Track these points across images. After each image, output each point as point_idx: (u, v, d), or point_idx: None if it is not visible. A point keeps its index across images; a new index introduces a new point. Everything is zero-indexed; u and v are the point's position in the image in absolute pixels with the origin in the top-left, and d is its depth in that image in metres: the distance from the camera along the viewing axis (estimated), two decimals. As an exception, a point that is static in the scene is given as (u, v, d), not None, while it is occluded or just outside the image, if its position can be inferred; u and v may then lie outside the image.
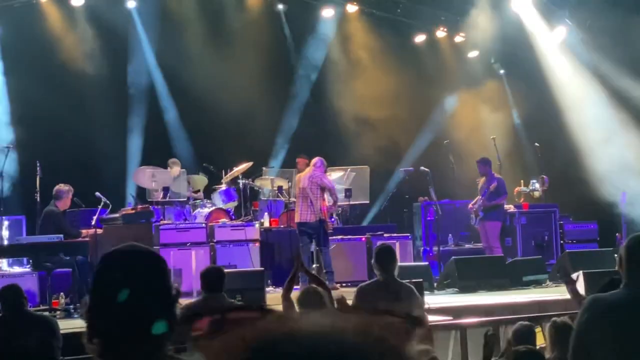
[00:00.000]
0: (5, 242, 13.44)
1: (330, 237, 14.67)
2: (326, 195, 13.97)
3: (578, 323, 5.09)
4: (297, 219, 14.08)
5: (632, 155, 16.47)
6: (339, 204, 16.10)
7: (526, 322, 7.99)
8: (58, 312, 11.18)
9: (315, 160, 14.20)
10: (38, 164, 14.27)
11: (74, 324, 10.40)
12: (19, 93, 16.63)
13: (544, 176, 16.67)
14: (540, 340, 7.83)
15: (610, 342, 4.88)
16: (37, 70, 16.64)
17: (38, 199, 13.97)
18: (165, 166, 15.18)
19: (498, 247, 14.63)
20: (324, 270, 13.68)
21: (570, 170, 16.94)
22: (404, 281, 8.16)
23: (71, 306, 11.66)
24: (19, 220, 14.92)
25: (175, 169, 15.23)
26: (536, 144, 17.56)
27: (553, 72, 17.90)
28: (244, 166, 15.40)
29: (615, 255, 11.56)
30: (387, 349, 0.86)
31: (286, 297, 8.30)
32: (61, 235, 12.19)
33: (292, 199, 15.52)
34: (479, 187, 15.04)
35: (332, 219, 15.93)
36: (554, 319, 7.47)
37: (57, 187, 12.92)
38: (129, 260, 2.63)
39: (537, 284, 13.45)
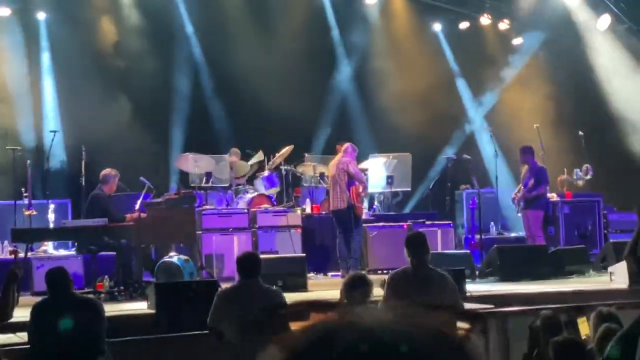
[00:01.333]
0: (51, 226, 13.57)
1: (371, 224, 14.70)
2: (355, 181, 13.98)
3: None
4: (330, 207, 14.17)
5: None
6: (380, 190, 16.12)
7: (549, 312, 7.96)
8: (102, 295, 11.29)
9: (345, 145, 14.21)
10: (83, 149, 14.41)
11: (118, 307, 10.56)
12: (64, 78, 16.77)
13: (588, 165, 16.54)
14: (585, 331, 7.79)
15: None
16: (82, 56, 16.76)
17: (83, 183, 14.12)
18: (206, 152, 15.23)
19: (540, 236, 14.54)
20: (353, 256, 13.72)
21: (615, 160, 16.82)
22: (441, 269, 8.15)
23: (115, 289, 11.79)
24: (64, 203, 15.06)
25: (234, 158, 15.32)
26: (580, 132, 17.41)
27: (599, 60, 17.76)
28: (285, 150, 15.43)
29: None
30: (449, 343, 0.88)
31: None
32: (106, 219, 12.29)
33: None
34: (521, 175, 14.97)
35: (374, 206, 15.94)
36: (599, 308, 7.43)
37: (103, 171, 13.03)
38: None
39: (580, 273, 13.35)
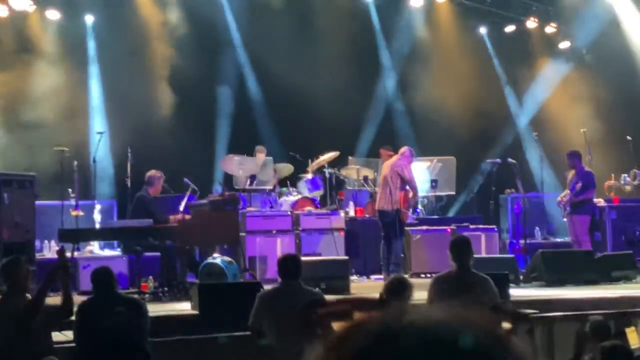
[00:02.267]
0: (97, 226, 13.69)
1: (414, 228, 14.65)
2: (406, 185, 13.95)
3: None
4: (376, 207, 14.13)
5: None
6: (424, 194, 16.07)
7: (598, 318, 7.89)
8: (147, 295, 11.37)
9: (404, 149, 14.17)
10: (129, 151, 14.51)
11: (162, 307, 10.62)
12: (110, 81, 16.92)
13: (636, 170, 16.40)
14: (634, 340, 7.73)
15: None
16: (129, 59, 16.89)
17: (129, 184, 14.20)
18: (252, 154, 15.29)
19: (587, 241, 14.41)
20: (392, 260, 13.68)
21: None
22: (484, 273, 8.12)
23: (159, 289, 11.86)
24: (110, 204, 15.20)
25: (260, 156, 15.34)
26: (628, 137, 17.26)
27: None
28: (330, 155, 15.43)
29: None
30: (502, 341, 0.86)
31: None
32: (150, 220, 12.38)
33: (377, 189, 15.51)
34: (567, 180, 14.86)
35: (418, 210, 15.88)
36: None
37: (149, 173, 13.13)
38: None
39: (627, 279, 13.22)
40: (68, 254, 11.91)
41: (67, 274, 8.07)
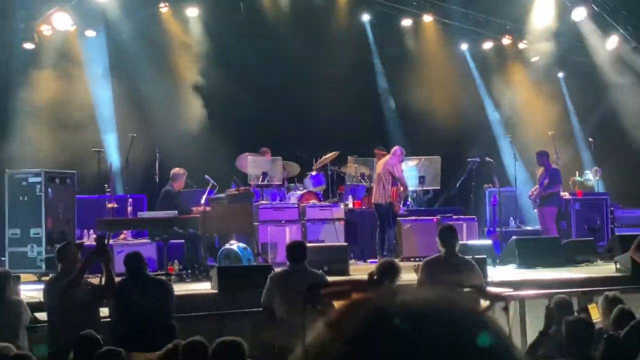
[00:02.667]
0: (130, 217, 13.72)
1: (405, 218, 14.67)
2: (396, 181, 14.00)
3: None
4: (372, 200, 14.22)
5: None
6: (413, 188, 16.08)
7: (563, 296, 7.91)
8: (172, 277, 11.38)
9: (395, 148, 14.25)
10: (157, 151, 14.54)
11: (185, 287, 10.64)
12: (141, 90, 16.94)
13: (597, 168, 16.42)
14: (595, 316, 7.73)
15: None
16: (156, 72, 16.90)
17: (157, 180, 14.24)
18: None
19: (554, 230, 14.44)
20: (385, 246, 13.72)
21: (620, 163, 16.61)
22: (467, 256, 8.15)
23: (183, 272, 11.88)
24: (141, 198, 15.21)
25: (267, 155, 15.35)
26: (590, 139, 17.28)
27: (607, 75, 17.58)
28: (331, 155, 15.46)
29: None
30: (482, 321, 0.87)
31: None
32: (176, 212, 12.39)
33: (372, 184, 15.53)
34: (537, 176, 14.88)
35: (407, 202, 15.88)
36: (606, 293, 7.38)
37: (173, 170, 13.15)
38: None
39: (589, 262, 13.24)
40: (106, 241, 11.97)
41: (106, 257, 8.09)
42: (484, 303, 0.92)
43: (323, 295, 0.96)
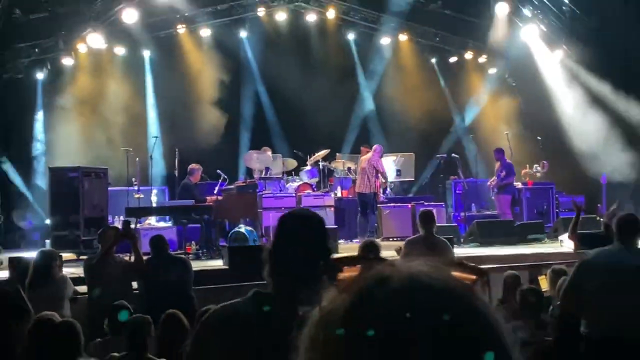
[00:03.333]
0: (154, 205, 13.72)
1: (384, 205, 14.71)
2: (379, 175, 14.06)
3: (574, 273, 5.05)
4: (356, 190, 14.17)
5: (609, 147, 16.12)
6: (392, 180, 16.11)
7: (513, 272, 7.93)
8: (190, 255, 11.38)
9: (375, 146, 14.31)
10: (177, 149, 14.53)
11: (203, 264, 10.65)
12: (162, 98, 16.94)
13: (544, 162, 16.46)
14: (544, 286, 7.76)
15: (598, 285, 4.83)
16: (176, 82, 16.89)
17: (176, 174, 14.22)
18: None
19: (509, 214, 14.49)
20: (368, 229, 13.75)
21: (563, 157, 16.63)
22: (440, 236, 8.17)
23: (200, 251, 11.89)
24: (163, 189, 15.23)
25: (268, 152, 15.36)
26: (538, 137, 17.31)
27: (553, 83, 17.59)
28: (323, 152, 15.48)
29: (600, 219, 11.44)
30: (468, 290, 0.88)
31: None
32: (192, 201, 12.40)
33: (357, 177, 15.55)
34: (495, 169, 14.91)
35: (387, 192, 15.91)
36: (553, 266, 7.40)
37: (190, 166, 13.14)
38: (303, 220, 2.59)
39: (538, 241, 13.33)
40: (132, 226, 11.96)
41: (133, 238, 8.07)
42: (469, 276, 0.93)
43: (334, 267, 0.98)
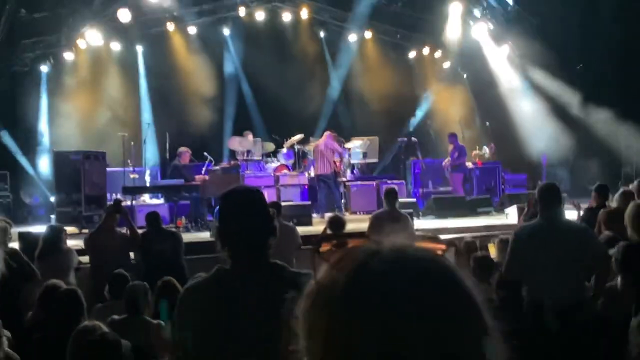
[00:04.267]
0: (148, 184, 13.62)
1: (353, 183, 14.72)
2: (339, 155, 13.95)
3: (511, 242, 5.11)
4: (317, 172, 13.92)
5: (548, 131, 16.31)
6: (358, 161, 16.12)
7: (470, 238, 8.01)
8: (181, 229, 11.33)
9: (327, 132, 14.19)
10: (167, 134, 14.41)
11: (192, 236, 10.61)
12: (154, 88, 16.77)
13: (492, 144, 16.59)
14: (492, 252, 7.81)
15: (531, 253, 4.91)
16: (165, 73, 16.73)
17: (167, 157, 14.13)
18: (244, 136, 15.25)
19: (461, 190, 14.62)
20: (336, 205, 13.72)
21: (508, 140, 16.79)
22: (402, 210, 8.21)
23: (189, 225, 11.84)
24: (155, 170, 15.10)
25: (249, 137, 15.29)
26: (487, 123, 17.44)
27: (499, 75, 17.71)
28: (298, 137, 15.44)
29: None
30: (444, 261, 0.89)
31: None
32: (182, 180, 12.33)
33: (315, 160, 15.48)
34: (449, 151, 14.99)
35: (355, 171, 15.91)
36: (500, 236, 7.48)
37: (179, 149, 13.06)
38: (242, 195, 2.53)
39: (486, 213, 13.46)
40: (128, 202, 11.87)
41: (125, 214, 8.00)
42: (439, 246, 0.94)
43: (326, 245, 0.97)
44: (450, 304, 0.82)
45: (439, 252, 0.90)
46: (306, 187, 14.38)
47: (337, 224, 7.53)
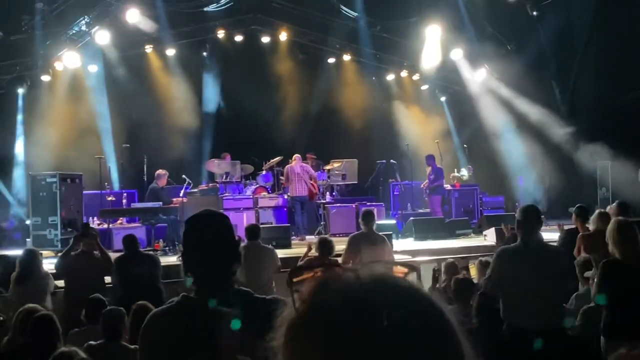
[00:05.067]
0: (125, 207, 13.50)
1: (333, 205, 14.73)
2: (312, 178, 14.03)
3: (493, 263, 5.15)
4: (294, 194, 13.93)
5: (527, 153, 16.51)
6: (338, 183, 16.15)
7: (451, 260, 8.06)
8: (158, 252, 11.23)
9: (297, 156, 14.24)
10: (145, 157, 14.33)
11: (169, 260, 10.49)
12: (132, 111, 16.70)
13: (470, 166, 16.73)
14: (474, 273, 7.85)
15: (511, 274, 4.94)
16: (143, 95, 16.68)
17: (145, 179, 14.04)
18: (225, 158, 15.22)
19: (440, 212, 14.68)
20: (306, 226, 13.72)
21: (486, 163, 16.96)
22: (379, 233, 8.24)
23: (167, 248, 11.76)
24: (133, 192, 14.99)
25: (227, 158, 15.25)
26: (465, 145, 17.60)
27: (476, 98, 17.92)
28: (277, 159, 15.45)
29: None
30: (410, 286, 0.88)
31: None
32: (160, 203, 12.25)
33: (288, 182, 15.48)
34: (427, 173, 15.07)
35: (334, 193, 15.93)
36: (480, 258, 7.53)
37: (157, 171, 12.99)
38: (207, 220, 2.44)
39: (465, 235, 13.53)
40: (105, 226, 11.76)
41: (93, 238, 7.91)
42: (403, 269, 0.93)
43: (299, 280, 0.95)
44: (419, 336, 0.81)
45: (401, 275, 0.89)
46: (285, 209, 14.36)
47: (326, 246, 7.52)
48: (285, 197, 14.62)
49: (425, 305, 0.85)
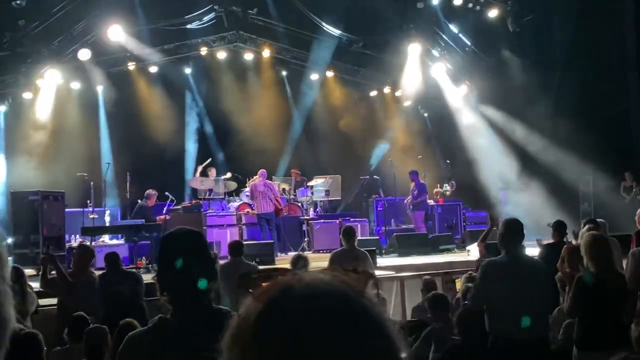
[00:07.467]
0: (107, 225, 13.45)
1: (316, 221, 14.75)
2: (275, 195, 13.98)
3: (479, 276, 5.22)
4: (260, 211, 13.76)
5: (507, 169, 16.64)
6: (321, 199, 16.18)
7: (428, 277, 8.11)
8: (141, 269, 11.18)
9: (262, 171, 14.12)
10: (128, 174, 14.32)
11: (152, 277, 10.45)
12: (114, 129, 16.69)
13: (453, 182, 16.82)
14: (459, 287, 7.88)
15: (498, 287, 5.01)
16: (126, 112, 16.68)
17: (128, 196, 14.03)
18: (208, 176, 15.21)
19: (423, 227, 14.75)
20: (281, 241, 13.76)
21: (469, 178, 17.07)
22: (361, 249, 8.28)
23: (150, 266, 11.70)
24: (115, 210, 14.95)
25: (213, 172, 15.26)
26: (447, 161, 17.71)
27: (458, 113, 18.03)
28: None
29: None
30: (359, 291, 0.91)
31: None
32: (143, 220, 12.23)
33: (292, 196, 15.52)
34: (410, 189, 15.14)
35: (318, 209, 15.95)
36: (467, 273, 7.58)
37: (147, 191, 13.12)
38: (180, 238, 2.40)
39: (449, 250, 13.60)
40: (88, 243, 11.69)
41: (53, 262, 7.81)
42: (359, 278, 0.98)
43: (254, 280, 1.01)
44: (360, 339, 0.86)
45: (358, 285, 0.93)
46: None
47: (298, 262, 7.56)
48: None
49: (355, 313, 0.88)
